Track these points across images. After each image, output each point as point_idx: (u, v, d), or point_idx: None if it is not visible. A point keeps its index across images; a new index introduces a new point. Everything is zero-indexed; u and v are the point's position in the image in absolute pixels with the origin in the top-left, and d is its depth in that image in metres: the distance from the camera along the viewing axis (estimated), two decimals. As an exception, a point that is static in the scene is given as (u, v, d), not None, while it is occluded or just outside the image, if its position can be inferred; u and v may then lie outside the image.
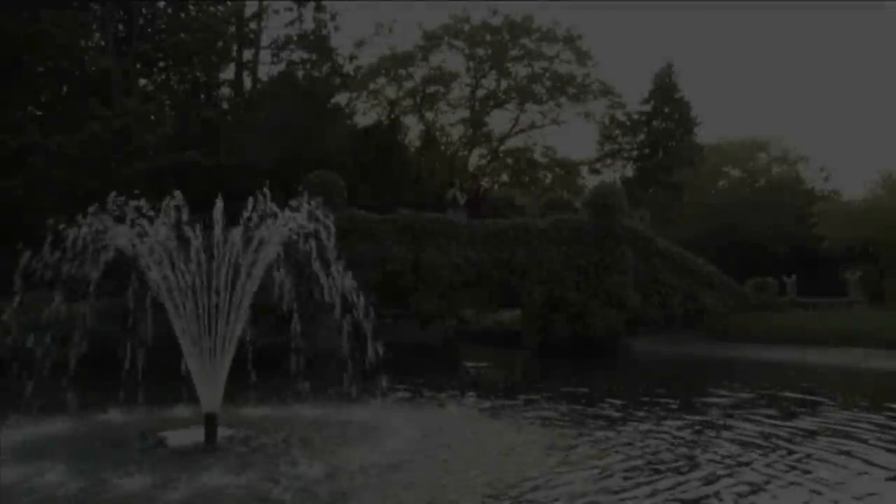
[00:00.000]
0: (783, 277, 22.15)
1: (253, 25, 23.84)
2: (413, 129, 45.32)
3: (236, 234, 7.74)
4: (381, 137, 23.12)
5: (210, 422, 7.47)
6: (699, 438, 7.94)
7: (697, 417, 9.27)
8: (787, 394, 11.50)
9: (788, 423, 8.65)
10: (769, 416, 9.14)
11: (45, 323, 7.46)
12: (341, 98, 27.43)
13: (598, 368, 16.61)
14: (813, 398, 10.97)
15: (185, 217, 7.55)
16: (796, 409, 9.75)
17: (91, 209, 7.29)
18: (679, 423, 8.80)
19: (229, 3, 24.46)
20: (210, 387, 7.56)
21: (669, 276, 20.09)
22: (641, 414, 9.43)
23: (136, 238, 7.53)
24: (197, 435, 7.44)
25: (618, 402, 10.42)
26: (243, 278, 7.48)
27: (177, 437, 7.50)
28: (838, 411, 9.63)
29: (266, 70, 24.75)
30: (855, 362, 14.94)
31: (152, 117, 19.68)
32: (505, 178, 48.82)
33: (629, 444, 7.55)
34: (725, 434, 8.12)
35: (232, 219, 20.36)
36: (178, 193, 7.50)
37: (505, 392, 11.85)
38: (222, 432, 7.56)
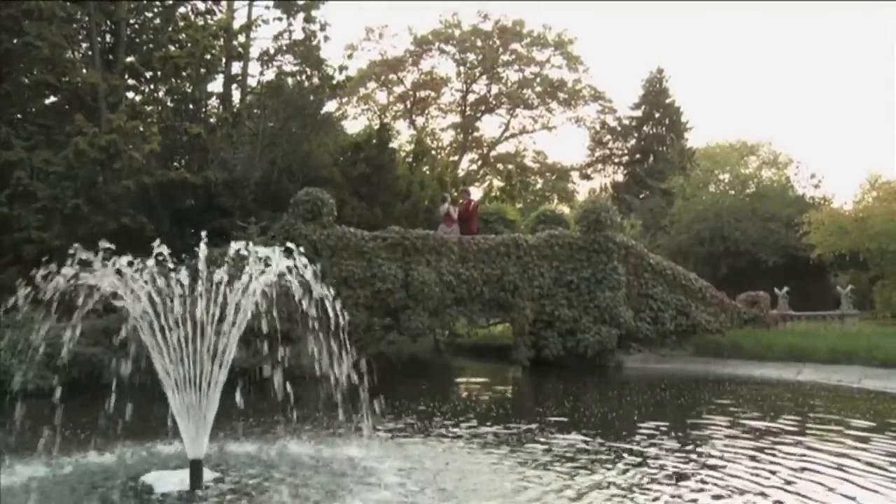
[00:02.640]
0: (775, 290, 22.07)
1: (242, 38, 23.54)
2: (403, 134, 45.28)
3: (221, 272, 7.50)
4: (372, 151, 22.92)
5: (195, 467, 7.32)
6: (779, 474, 7.61)
7: (742, 445, 9.04)
8: (813, 414, 11.39)
9: (853, 452, 8.45)
10: (815, 447, 8.93)
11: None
12: (330, 105, 27.18)
13: (591, 389, 16.49)
14: (853, 422, 10.73)
15: (167, 263, 7.32)
16: (841, 438, 9.50)
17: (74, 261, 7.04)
18: (722, 452, 8.61)
19: (219, 12, 24.25)
20: (195, 433, 7.40)
21: (661, 292, 19.97)
22: (662, 448, 9.11)
23: (119, 283, 7.29)
24: (183, 477, 7.28)
25: (625, 432, 10.16)
26: (228, 324, 7.30)
27: (161, 482, 7.33)
28: (888, 439, 9.40)
29: (255, 82, 24.49)
30: (851, 382, 14.83)
31: (140, 128, 19.41)
32: (496, 182, 48.77)
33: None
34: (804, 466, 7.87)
35: (221, 235, 20.02)
36: (158, 243, 7.27)
37: (500, 419, 11.62)
38: (208, 475, 7.41)
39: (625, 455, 8.64)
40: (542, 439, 9.68)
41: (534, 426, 10.66)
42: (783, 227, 31.33)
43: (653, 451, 8.87)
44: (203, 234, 7.23)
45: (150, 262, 7.40)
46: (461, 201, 20.90)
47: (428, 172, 27.81)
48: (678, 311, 20.00)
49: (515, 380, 18.62)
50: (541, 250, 19.37)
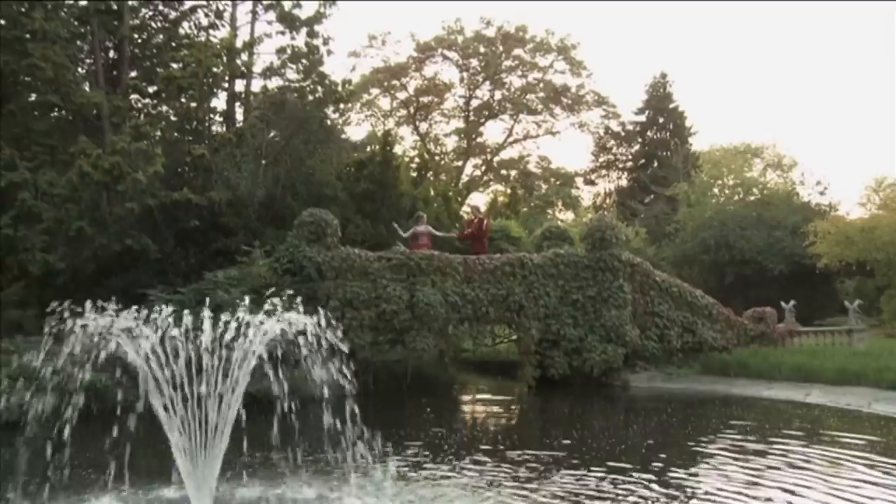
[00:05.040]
0: (781, 304, 21.88)
1: (245, 57, 23.43)
2: (407, 140, 45.22)
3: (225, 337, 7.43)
4: (376, 168, 22.84)
5: (200, 522, 7.31)
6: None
7: (795, 478, 8.84)
8: (843, 440, 11.19)
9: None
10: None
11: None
12: (333, 114, 27.04)
13: (599, 412, 16.37)
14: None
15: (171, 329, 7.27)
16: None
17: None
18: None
19: (221, 26, 24.21)
20: (200, 489, 7.37)
21: (667, 309, 19.84)
22: (699, 481, 8.92)
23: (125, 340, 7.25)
24: (189, 528, 7.26)
25: (649, 464, 9.88)
26: (230, 389, 7.24)
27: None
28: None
29: (258, 99, 24.37)
30: (860, 406, 14.63)
31: (144, 144, 19.36)
32: (499, 187, 48.63)
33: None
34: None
35: (225, 255, 19.82)
36: (164, 309, 7.24)
37: (510, 450, 11.44)
38: (213, 523, 7.40)
39: (656, 490, 8.49)
40: (558, 476, 9.42)
41: (542, 455, 10.53)
42: (789, 234, 31.13)
43: (689, 483, 8.68)
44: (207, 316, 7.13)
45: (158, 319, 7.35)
46: (473, 220, 20.86)
47: (432, 178, 27.72)
48: (684, 329, 19.87)
49: (522, 399, 18.50)
50: (546, 269, 19.26)
